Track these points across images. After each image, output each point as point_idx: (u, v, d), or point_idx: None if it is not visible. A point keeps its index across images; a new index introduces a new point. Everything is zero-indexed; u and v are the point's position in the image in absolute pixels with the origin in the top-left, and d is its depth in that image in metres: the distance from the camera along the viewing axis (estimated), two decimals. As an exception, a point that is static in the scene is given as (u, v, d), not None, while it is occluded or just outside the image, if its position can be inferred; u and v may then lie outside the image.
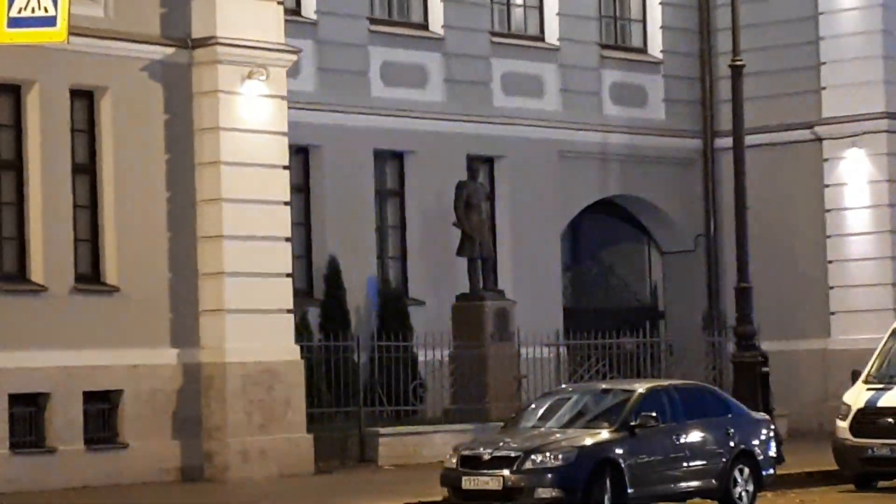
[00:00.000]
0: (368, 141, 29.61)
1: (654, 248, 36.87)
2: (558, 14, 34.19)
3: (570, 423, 17.64)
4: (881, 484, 22.00)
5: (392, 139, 30.20)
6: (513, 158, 32.53)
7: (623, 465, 16.48)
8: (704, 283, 35.27)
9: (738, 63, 26.97)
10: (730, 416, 19.53)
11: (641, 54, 36.28)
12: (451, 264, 29.82)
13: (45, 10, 14.51)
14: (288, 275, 23.99)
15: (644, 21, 36.91)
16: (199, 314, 22.93)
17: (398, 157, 31.17)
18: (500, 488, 16.22)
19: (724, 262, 34.12)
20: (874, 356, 23.50)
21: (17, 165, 21.56)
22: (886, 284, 33.89)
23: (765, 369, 25.68)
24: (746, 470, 18.76)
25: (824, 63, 35.28)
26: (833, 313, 34.53)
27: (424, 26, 31.95)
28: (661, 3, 36.94)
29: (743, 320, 26.69)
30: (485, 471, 16.43)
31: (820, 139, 34.96)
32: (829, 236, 34.97)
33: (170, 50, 23.28)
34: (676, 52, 36.76)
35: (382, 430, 25.39)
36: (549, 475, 15.98)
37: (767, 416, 21.24)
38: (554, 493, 15.90)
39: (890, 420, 21.56)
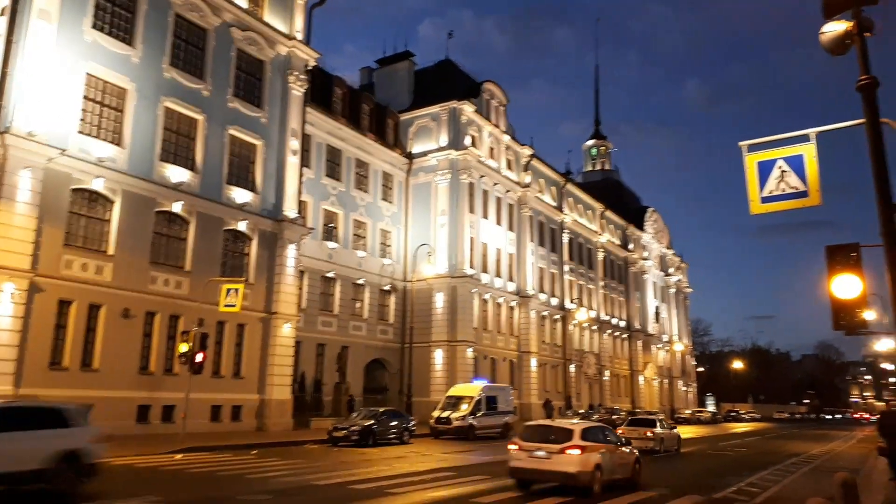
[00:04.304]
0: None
1: (387, 371, 39.08)
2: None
3: (364, 418, 24.06)
4: (443, 438, 27.71)
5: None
6: (353, 349, 36.09)
7: (375, 430, 23.49)
8: (398, 384, 37.95)
9: (411, 325, 34.65)
10: (400, 415, 25.46)
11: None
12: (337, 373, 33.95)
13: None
14: (290, 375, 28.47)
15: (389, 311, 39.69)
16: (266, 386, 27.36)
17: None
18: (341, 436, 23.09)
19: (404, 378, 36.71)
20: (441, 402, 30.67)
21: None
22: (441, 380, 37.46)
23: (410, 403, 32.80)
24: (405, 428, 24.89)
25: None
26: (431, 391, 37.69)
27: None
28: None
29: (409, 391, 34.22)
30: (338, 431, 23.27)
31: (427, 344, 39.31)
32: (432, 371, 38.69)
33: (265, 315, 27.74)
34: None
35: (314, 419, 29.58)
36: (356, 432, 23.13)
37: (412, 418, 27.25)
38: (357, 437, 22.93)
39: (443, 419, 28.50)
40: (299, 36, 31.34)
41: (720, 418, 75.27)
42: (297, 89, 31.07)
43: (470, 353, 40.13)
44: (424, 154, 42.45)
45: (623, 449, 14.57)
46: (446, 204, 41.46)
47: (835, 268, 7.34)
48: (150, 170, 24.53)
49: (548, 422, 15.18)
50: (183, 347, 21.16)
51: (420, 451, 22.36)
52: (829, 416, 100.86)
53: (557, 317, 53.84)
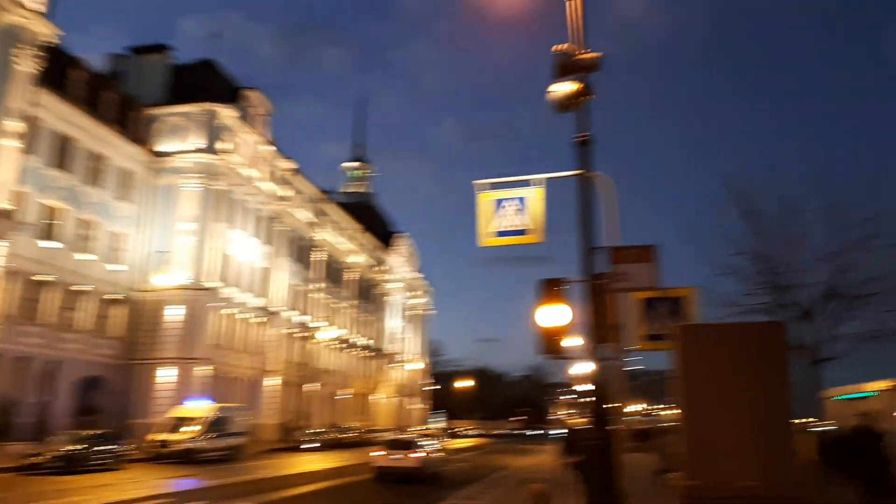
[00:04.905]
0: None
1: (107, 390, 33.71)
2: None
3: (68, 442, 21.29)
4: (163, 462, 24.78)
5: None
6: (65, 365, 31.58)
7: (81, 454, 20.73)
8: (120, 404, 33.81)
9: (138, 340, 33.85)
10: (114, 438, 22.98)
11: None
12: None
13: None
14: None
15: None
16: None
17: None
18: (38, 462, 20.06)
19: (127, 398, 33.98)
20: (164, 423, 27.51)
21: None
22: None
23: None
24: (119, 453, 22.59)
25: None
26: (158, 412, 32.81)
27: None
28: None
29: (130, 412, 31.35)
30: (35, 458, 20.22)
31: (158, 361, 35.77)
32: (161, 390, 34.92)
33: None
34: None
35: (5, 444, 24.56)
36: (58, 458, 20.24)
37: (130, 441, 24.64)
38: (59, 464, 20.14)
39: (163, 442, 25.66)
40: (38, 7, 27.24)
41: (447, 434, 78.92)
42: (25, 66, 26.81)
43: (205, 371, 37.26)
44: (174, 154, 39.07)
45: (437, 453, 22.42)
46: (194, 210, 38.36)
47: (544, 298, 8.03)
48: None
49: (398, 436, 23.89)
50: None
51: (134, 477, 20.24)
52: (533, 432, 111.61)
53: (304, 335, 52.68)
